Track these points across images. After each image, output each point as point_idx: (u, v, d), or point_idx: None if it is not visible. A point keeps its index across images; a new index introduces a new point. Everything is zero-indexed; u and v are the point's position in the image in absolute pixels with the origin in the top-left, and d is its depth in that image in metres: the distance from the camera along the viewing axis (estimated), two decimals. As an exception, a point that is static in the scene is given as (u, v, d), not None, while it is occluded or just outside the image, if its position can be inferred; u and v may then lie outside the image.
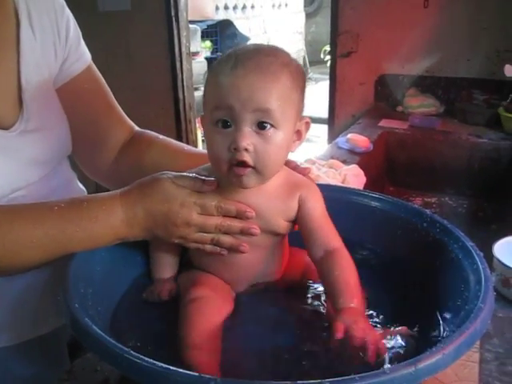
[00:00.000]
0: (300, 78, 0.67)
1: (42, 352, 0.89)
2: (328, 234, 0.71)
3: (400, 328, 0.62)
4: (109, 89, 0.97)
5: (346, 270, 0.67)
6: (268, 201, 0.71)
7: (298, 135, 0.71)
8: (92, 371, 0.71)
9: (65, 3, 0.89)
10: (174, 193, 0.68)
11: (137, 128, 0.99)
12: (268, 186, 0.70)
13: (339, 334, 0.57)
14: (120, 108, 0.98)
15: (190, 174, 0.70)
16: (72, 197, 0.72)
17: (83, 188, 1.01)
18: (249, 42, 5.69)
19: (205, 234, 0.70)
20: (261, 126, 0.64)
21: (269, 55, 0.65)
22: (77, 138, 0.92)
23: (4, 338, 0.83)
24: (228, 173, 0.65)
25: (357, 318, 0.60)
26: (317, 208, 0.72)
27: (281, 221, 0.72)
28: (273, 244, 0.75)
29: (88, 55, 0.94)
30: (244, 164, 0.64)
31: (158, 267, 0.77)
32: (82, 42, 0.93)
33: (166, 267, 0.77)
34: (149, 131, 0.98)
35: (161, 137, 0.95)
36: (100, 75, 0.96)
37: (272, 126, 0.64)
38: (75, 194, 0.93)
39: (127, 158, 0.94)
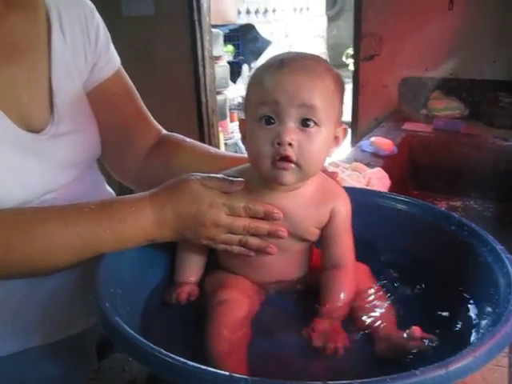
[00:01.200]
0: (341, 85, 0.69)
1: (71, 352, 0.90)
2: (344, 253, 0.73)
3: (413, 328, 0.62)
4: (137, 92, 0.98)
5: (344, 286, 0.71)
6: (299, 205, 0.71)
7: (336, 140, 0.71)
8: (120, 371, 0.71)
9: (94, 8, 0.91)
10: (202, 194, 0.69)
11: (164, 131, 1.01)
12: (301, 190, 0.71)
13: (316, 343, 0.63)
14: (148, 111, 0.99)
15: (218, 175, 0.71)
16: (102, 198, 0.73)
17: (111, 191, 1.02)
18: (270, 46, 5.71)
19: (233, 236, 0.70)
20: (304, 123, 0.65)
21: (313, 60, 0.68)
22: (106, 141, 0.93)
23: (35, 338, 0.85)
24: (270, 168, 0.66)
25: (332, 319, 0.66)
26: (344, 224, 0.73)
27: (311, 227, 0.72)
28: (301, 249, 0.75)
29: (117, 59, 0.96)
30: (287, 158, 0.64)
31: (183, 269, 0.77)
32: (112, 46, 0.94)
33: (191, 269, 0.77)
34: (176, 134, 0.99)
35: (188, 140, 0.96)
36: (128, 79, 0.98)
37: (315, 123, 0.65)
38: (104, 197, 0.95)
39: (155, 160, 0.95)
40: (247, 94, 0.70)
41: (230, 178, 0.70)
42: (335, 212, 0.72)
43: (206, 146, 0.95)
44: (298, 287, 0.76)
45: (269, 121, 0.65)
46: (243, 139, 0.72)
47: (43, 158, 0.79)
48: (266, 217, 0.69)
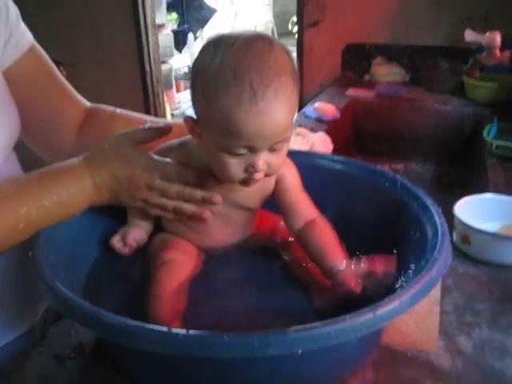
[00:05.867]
0: (297, 76, 0.65)
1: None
2: (307, 208, 0.74)
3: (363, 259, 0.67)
4: (56, 68, 0.93)
5: (326, 234, 0.71)
6: None
7: None
8: (66, 336, 0.72)
9: None
10: (136, 157, 0.70)
11: (89, 103, 0.98)
12: None
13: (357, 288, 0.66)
14: (70, 86, 0.95)
15: (144, 127, 0.73)
16: (38, 171, 0.70)
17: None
18: (215, 14, 5.62)
19: (167, 201, 0.71)
20: (275, 148, 0.64)
21: (280, 73, 0.60)
22: (29, 122, 0.87)
23: None
24: (240, 182, 0.66)
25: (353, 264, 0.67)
26: (294, 183, 0.74)
27: (255, 198, 0.74)
28: (246, 217, 0.77)
29: (30, 35, 0.89)
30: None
31: (136, 223, 0.78)
32: (22, 21, 0.88)
33: (140, 227, 0.78)
34: (105, 105, 0.96)
35: (118, 110, 0.94)
36: (46, 55, 0.92)
37: (284, 142, 0.65)
38: None
39: (90, 134, 0.92)
40: (209, 114, 0.63)
41: (155, 126, 0.73)
42: (280, 177, 0.73)
43: (140, 115, 0.93)
44: (241, 244, 0.78)
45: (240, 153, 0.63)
46: (195, 137, 0.69)
47: None
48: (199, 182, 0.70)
